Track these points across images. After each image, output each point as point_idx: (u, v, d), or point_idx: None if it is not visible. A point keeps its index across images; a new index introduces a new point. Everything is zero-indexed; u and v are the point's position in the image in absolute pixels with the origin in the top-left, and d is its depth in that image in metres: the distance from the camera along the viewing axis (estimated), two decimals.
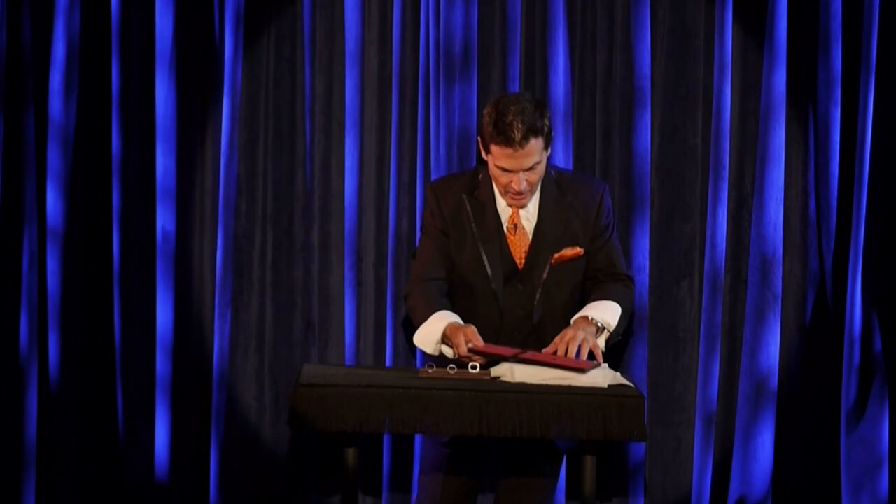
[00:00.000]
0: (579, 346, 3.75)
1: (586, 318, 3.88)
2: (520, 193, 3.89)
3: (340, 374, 3.67)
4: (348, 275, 4.53)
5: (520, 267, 3.97)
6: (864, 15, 4.43)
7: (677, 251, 4.58)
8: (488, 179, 3.97)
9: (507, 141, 3.79)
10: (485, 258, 3.95)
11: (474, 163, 4.49)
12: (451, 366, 3.70)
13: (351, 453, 3.62)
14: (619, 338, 4.01)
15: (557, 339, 3.79)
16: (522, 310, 3.97)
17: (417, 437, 4.45)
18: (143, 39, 4.50)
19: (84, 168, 4.51)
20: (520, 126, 3.78)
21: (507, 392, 3.53)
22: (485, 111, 3.89)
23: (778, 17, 4.47)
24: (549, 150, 3.91)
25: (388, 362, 4.53)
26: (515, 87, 4.53)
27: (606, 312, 3.91)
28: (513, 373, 3.62)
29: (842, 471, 4.48)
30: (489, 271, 3.95)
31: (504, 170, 3.85)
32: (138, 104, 4.51)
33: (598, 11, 4.55)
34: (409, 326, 4.15)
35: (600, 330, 3.87)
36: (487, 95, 4.52)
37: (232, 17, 4.50)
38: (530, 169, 3.85)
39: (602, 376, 3.61)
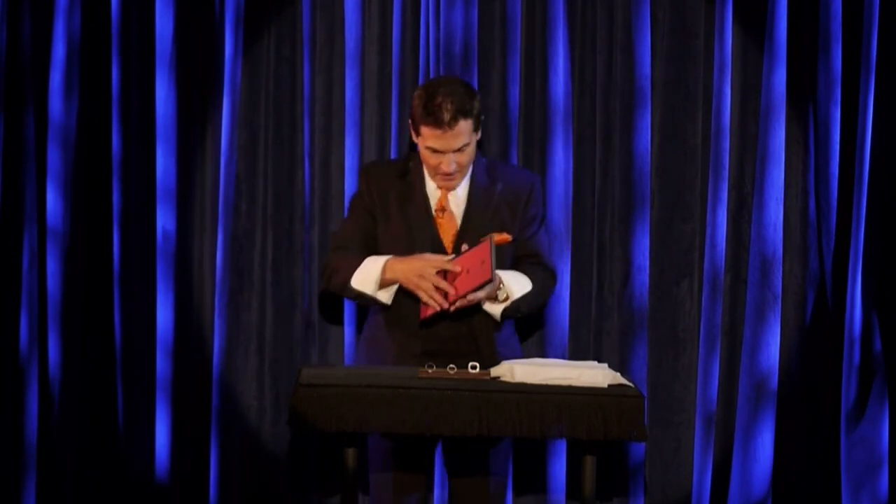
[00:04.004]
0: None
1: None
2: (449, 175, 3.93)
3: (340, 374, 3.67)
4: None
5: (449, 252, 3.98)
6: (864, 15, 4.43)
7: (677, 251, 4.58)
8: (419, 163, 4.01)
9: (437, 122, 3.84)
10: (412, 241, 3.97)
11: None
12: (451, 366, 3.70)
13: (351, 453, 3.62)
14: (519, 315, 4.01)
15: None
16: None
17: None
18: (143, 39, 4.50)
19: (84, 168, 4.51)
20: (449, 107, 3.83)
21: (506, 392, 3.52)
22: (415, 94, 3.94)
23: (778, 17, 4.48)
24: (479, 134, 3.96)
25: None
26: (515, 87, 4.53)
27: (515, 282, 3.95)
28: (513, 373, 3.62)
29: (842, 471, 4.48)
30: (415, 253, 3.95)
31: (434, 151, 3.90)
32: (138, 104, 4.51)
33: (598, 11, 4.55)
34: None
35: (502, 294, 3.92)
36: (487, 95, 4.52)
37: (232, 17, 4.50)
38: (459, 150, 3.90)
39: (602, 376, 3.61)
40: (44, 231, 4.46)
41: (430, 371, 3.68)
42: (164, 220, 4.52)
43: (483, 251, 3.79)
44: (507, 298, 3.94)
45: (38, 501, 4.45)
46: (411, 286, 3.86)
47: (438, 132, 3.85)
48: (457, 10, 4.49)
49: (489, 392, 3.52)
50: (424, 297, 3.83)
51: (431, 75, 4.50)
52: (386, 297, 3.94)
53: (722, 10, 4.51)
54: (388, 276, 3.90)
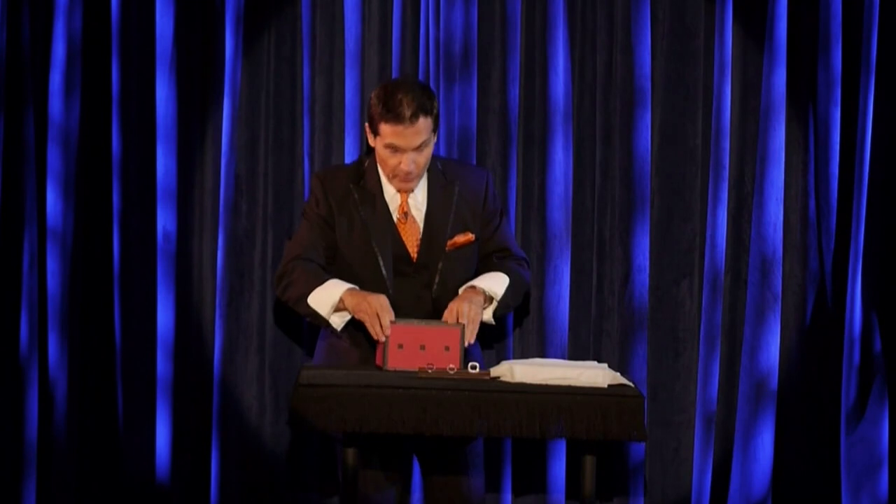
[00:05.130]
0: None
1: (473, 287, 3.93)
2: (408, 174, 3.91)
3: (340, 374, 3.67)
4: None
5: (413, 256, 3.97)
6: (864, 15, 4.43)
7: (677, 251, 4.58)
8: (375, 168, 3.98)
9: (398, 117, 3.82)
10: (375, 248, 3.94)
11: (475, 162, 4.50)
12: (451, 366, 3.70)
13: (351, 453, 3.62)
14: (509, 310, 4.07)
15: (447, 313, 3.84)
16: (417, 299, 3.96)
17: None
18: (144, 39, 4.51)
19: (84, 168, 4.51)
20: (410, 103, 3.82)
21: (506, 392, 3.53)
22: (373, 93, 3.91)
23: (778, 17, 4.48)
24: (436, 137, 3.94)
25: None
26: (515, 87, 4.53)
27: (493, 282, 3.96)
28: (512, 373, 3.62)
29: (842, 471, 4.48)
30: (380, 261, 3.94)
31: (394, 149, 3.87)
32: (139, 104, 4.52)
33: (598, 11, 4.55)
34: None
35: (488, 299, 3.93)
36: (487, 95, 4.52)
37: (232, 17, 4.50)
38: (418, 149, 3.87)
39: (602, 376, 3.61)
40: (44, 231, 4.46)
41: (429, 371, 3.68)
42: (165, 220, 4.52)
43: (451, 338, 3.73)
44: (492, 300, 3.94)
45: (38, 501, 4.45)
46: (357, 310, 3.82)
47: (399, 128, 3.83)
48: (457, 10, 4.49)
49: (489, 392, 3.52)
50: (367, 322, 3.78)
51: (431, 75, 4.50)
52: (338, 321, 3.90)
53: (722, 10, 4.51)
54: (345, 300, 3.86)
